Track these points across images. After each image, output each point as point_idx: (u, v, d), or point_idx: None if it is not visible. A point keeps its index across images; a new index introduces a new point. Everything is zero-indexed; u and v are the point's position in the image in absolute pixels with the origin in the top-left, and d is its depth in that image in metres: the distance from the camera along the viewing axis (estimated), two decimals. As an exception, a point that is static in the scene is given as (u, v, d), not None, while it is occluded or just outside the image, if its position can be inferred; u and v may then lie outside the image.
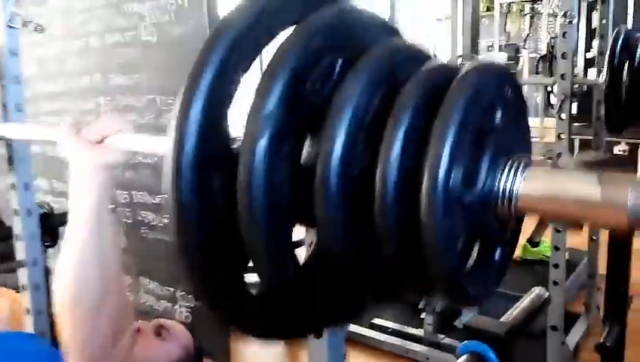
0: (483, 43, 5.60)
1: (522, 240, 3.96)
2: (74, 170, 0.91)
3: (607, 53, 2.39)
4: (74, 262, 0.90)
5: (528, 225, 3.91)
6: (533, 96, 5.47)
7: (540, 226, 3.81)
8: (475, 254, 0.61)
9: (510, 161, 0.59)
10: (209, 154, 0.57)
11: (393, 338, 2.75)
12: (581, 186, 0.55)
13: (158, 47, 2.52)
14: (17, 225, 1.87)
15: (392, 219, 0.56)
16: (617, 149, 4.31)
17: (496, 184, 0.58)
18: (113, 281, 0.92)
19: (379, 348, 2.70)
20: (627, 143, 4.63)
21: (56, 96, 2.96)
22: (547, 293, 1.37)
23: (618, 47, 2.31)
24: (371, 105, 0.57)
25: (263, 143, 0.54)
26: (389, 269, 0.59)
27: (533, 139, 0.71)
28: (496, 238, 0.62)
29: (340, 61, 0.62)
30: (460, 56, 3.17)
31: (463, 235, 0.57)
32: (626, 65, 2.32)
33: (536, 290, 1.33)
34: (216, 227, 0.58)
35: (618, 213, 0.53)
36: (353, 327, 2.67)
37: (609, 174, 0.55)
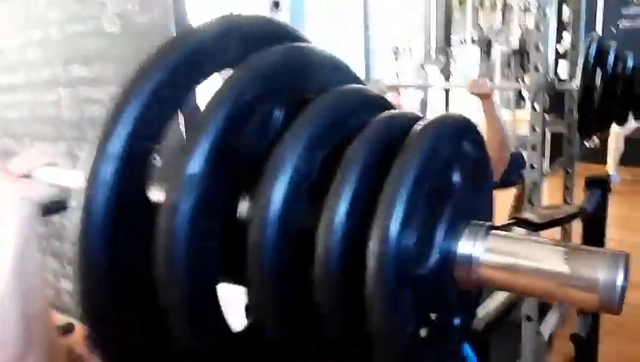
0: (455, 37, 5.56)
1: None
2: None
3: (581, 60, 2.40)
4: None
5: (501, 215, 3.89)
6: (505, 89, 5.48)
7: (515, 210, 3.80)
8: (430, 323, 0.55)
9: (470, 227, 0.52)
10: (124, 212, 0.49)
11: None
12: (548, 260, 0.49)
13: (122, 38, 2.40)
14: None
15: (334, 295, 0.49)
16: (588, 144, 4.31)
17: (454, 253, 0.52)
18: (39, 323, 0.84)
19: None
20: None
21: (16, 87, 2.83)
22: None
23: (591, 55, 2.32)
24: (314, 161, 0.51)
25: (182, 215, 0.47)
26: (331, 347, 0.52)
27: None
28: (454, 308, 0.56)
29: (282, 109, 0.55)
30: (436, 49, 3.12)
31: (416, 312, 0.50)
32: (599, 72, 2.33)
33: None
34: (129, 290, 0.50)
35: (589, 293, 0.47)
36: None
37: (578, 247, 0.49)
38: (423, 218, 0.50)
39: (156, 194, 0.52)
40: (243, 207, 0.54)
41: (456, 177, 0.53)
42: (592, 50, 2.37)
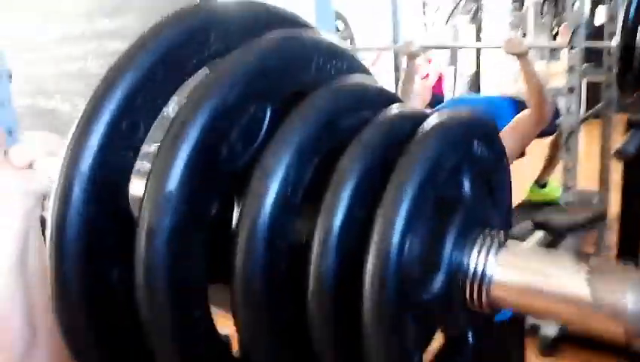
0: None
1: (529, 181, 3.85)
2: None
3: (621, 16, 2.27)
4: None
5: (536, 166, 3.80)
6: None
7: (548, 167, 3.71)
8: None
9: (482, 237, 0.47)
10: (99, 234, 0.45)
11: None
12: (569, 280, 0.43)
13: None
14: None
15: (328, 316, 0.45)
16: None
17: (465, 269, 0.46)
18: (43, 315, 0.82)
19: None
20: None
21: (45, 44, 2.79)
22: (551, 237, 1.23)
23: (632, 10, 2.17)
24: (305, 168, 0.45)
25: (160, 238, 0.43)
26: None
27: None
28: (463, 333, 0.51)
29: (271, 109, 0.50)
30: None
31: (419, 337, 0.46)
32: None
33: (539, 234, 1.20)
34: (112, 320, 0.47)
35: (614, 321, 0.42)
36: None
37: (602, 267, 0.44)
38: (427, 232, 0.44)
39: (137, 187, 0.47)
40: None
41: (465, 183, 0.47)
42: (633, 5, 2.22)
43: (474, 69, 6.52)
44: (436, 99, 3.77)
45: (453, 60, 5.73)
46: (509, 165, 0.55)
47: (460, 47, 3.09)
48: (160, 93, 0.48)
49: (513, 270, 0.46)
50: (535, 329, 2.64)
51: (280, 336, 0.47)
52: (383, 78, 3.73)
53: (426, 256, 0.44)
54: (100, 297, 0.46)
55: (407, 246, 0.42)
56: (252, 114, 0.48)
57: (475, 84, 6.51)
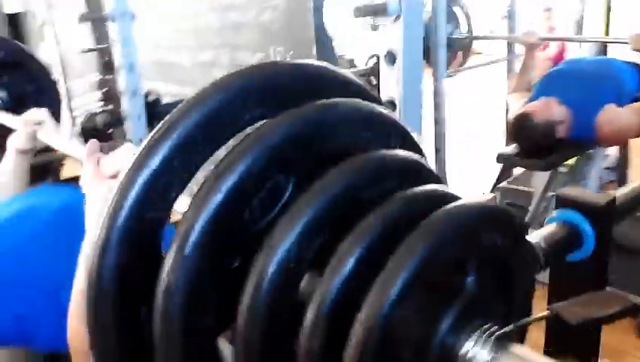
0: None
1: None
2: (87, 201, 0.90)
3: None
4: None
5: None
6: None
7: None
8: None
9: (480, 332, 0.47)
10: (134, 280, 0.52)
11: None
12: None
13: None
14: (124, 105, 1.99)
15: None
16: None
17: (456, 358, 0.47)
18: None
19: None
20: None
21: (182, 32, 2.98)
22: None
23: None
24: (309, 246, 0.49)
25: (176, 296, 0.48)
26: None
27: None
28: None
29: (292, 180, 0.53)
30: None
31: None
32: None
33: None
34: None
35: None
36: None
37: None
38: (418, 318, 0.46)
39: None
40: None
41: (469, 272, 0.48)
42: None
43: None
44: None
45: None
46: (533, 257, 0.54)
47: (583, 41, 2.88)
48: (196, 155, 0.53)
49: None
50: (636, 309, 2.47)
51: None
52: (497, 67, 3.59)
53: (415, 339, 0.46)
54: (129, 329, 0.52)
55: (390, 331, 0.44)
56: (275, 183, 0.52)
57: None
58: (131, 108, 2.02)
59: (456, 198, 0.51)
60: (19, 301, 1.00)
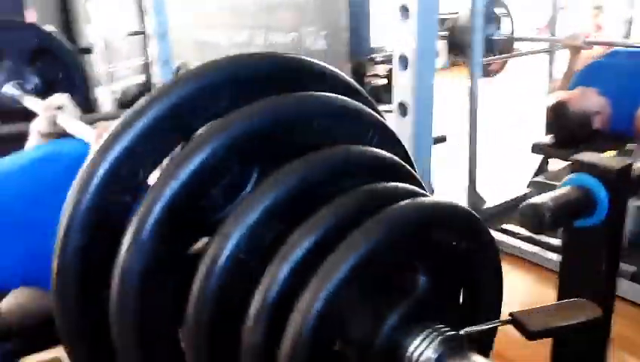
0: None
1: None
2: None
3: None
4: None
5: None
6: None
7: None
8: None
9: (428, 333, 0.46)
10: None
11: (523, 243, 2.62)
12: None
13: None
14: (154, 74, 2.03)
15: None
16: None
17: (401, 354, 0.47)
18: None
19: (508, 252, 2.53)
20: None
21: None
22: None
23: None
24: (262, 238, 0.49)
25: (132, 279, 0.49)
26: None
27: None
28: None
29: (256, 170, 0.53)
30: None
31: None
32: None
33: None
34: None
35: None
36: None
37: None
38: (359, 314, 0.46)
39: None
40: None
41: (419, 274, 0.47)
42: None
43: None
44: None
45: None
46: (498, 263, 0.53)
47: (631, 47, 2.74)
48: (162, 144, 0.54)
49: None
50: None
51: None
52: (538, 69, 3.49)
53: (357, 335, 0.46)
54: (90, 309, 0.54)
55: (326, 326, 0.44)
56: (236, 172, 0.52)
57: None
58: (162, 78, 2.04)
59: (419, 196, 0.50)
60: (35, 240, 1.04)
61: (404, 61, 1.01)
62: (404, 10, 0.94)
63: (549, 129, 2.36)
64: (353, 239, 0.45)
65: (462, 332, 0.48)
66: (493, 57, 2.84)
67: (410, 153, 0.86)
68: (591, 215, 0.73)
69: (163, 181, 0.50)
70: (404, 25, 0.95)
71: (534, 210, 0.69)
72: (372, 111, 0.61)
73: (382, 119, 0.61)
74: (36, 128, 1.22)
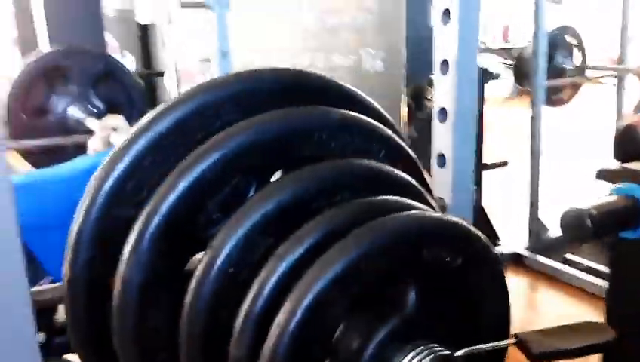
0: None
1: None
2: None
3: None
4: None
5: None
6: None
7: None
8: None
9: (418, 352, 0.45)
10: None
11: (585, 274, 2.49)
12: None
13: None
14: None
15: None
16: None
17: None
18: None
19: (569, 283, 2.45)
20: None
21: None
22: None
23: None
24: (253, 249, 0.49)
25: (132, 290, 0.51)
26: None
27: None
28: None
29: (255, 182, 0.53)
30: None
31: None
32: None
33: None
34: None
35: None
36: (545, 260, 2.49)
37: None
38: (345, 326, 0.45)
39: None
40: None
41: (408, 290, 0.45)
42: None
43: None
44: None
45: None
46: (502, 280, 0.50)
47: None
48: (166, 159, 0.55)
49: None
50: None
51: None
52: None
53: (341, 349, 0.45)
54: (100, 319, 0.55)
55: (304, 339, 0.43)
56: (234, 186, 0.53)
57: None
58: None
59: (414, 209, 0.49)
60: None
61: (445, 66, 0.99)
62: (446, 14, 0.92)
63: (616, 155, 2.22)
64: (335, 249, 0.44)
65: (459, 353, 0.45)
66: (553, 80, 2.75)
67: (449, 159, 0.86)
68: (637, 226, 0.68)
69: (161, 194, 0.51)
70: (445, 29, 0.93)
71: (576, 217, 0.65)
72: (382, 127, 0.60)
73: (393, 136, 0.60)
74: (92, 146, 1.29)
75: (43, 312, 1.30)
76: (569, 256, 2.62)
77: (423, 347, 0.45)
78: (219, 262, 0.48)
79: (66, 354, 1.37)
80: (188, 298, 0.49)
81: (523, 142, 2.52)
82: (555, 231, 2.56)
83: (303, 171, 0.51)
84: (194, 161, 0.52)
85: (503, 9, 6.31)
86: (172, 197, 0.51)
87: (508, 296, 0.51)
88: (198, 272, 0.49)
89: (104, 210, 0.54)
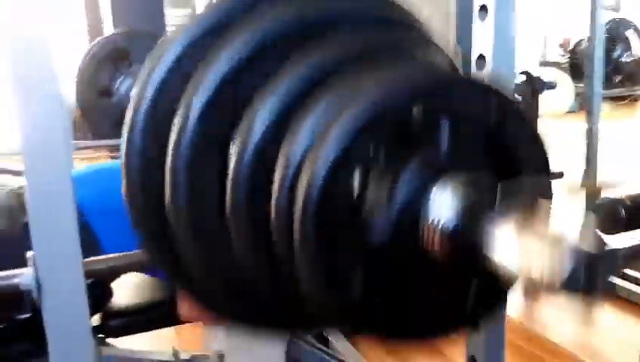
0: None
1: None
2: None
3: None
4: None
5: None
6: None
7: None
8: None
9: (441, 182, 0.46)
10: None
11: None
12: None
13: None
14: None
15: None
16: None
17: (419, 211, 0.46)
18: None
19: (627, 298, 2.38)
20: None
21: None
22: None
23: None
24: (286, 111, 0.52)
25: (183, 154, 0.54)
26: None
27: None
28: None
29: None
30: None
31: (359, 277, 0.47)
32: None
33: None
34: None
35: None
36: (606, 275, 2.42)
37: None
38: (377, 167, 0.46)
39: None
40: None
41: (441, 128, 0.47)
42: None
43: None
44: None
45: None
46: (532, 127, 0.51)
47: None
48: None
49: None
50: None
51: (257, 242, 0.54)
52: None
53: (371, 192, 0.46)
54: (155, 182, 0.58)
55: (341, 176, 0.46)
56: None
57: None
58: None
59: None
60: None
61: (481, 61, 1.00)
62: (483, 9, 0.94)
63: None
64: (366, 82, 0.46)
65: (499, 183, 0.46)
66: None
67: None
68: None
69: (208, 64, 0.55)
70: (482, 25, 0.95)
71: (609, 207, 0.65)
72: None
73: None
74: None
75: (98, 295, 1.36)
76: (628, 271, 2.50)
77: (445, 177, 0.46)
78: (259, 125, 0.52)
79: (121, 335, 1.43)
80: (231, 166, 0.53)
81: (580, 156, 2.46)
82: (612, 245, 2.46)
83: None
84: (235, 38, 0.56)
85: (563, 23, 6.22)
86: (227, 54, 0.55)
87: (543, 145, 0.51)
88: (237, 140, 0.53)
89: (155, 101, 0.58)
